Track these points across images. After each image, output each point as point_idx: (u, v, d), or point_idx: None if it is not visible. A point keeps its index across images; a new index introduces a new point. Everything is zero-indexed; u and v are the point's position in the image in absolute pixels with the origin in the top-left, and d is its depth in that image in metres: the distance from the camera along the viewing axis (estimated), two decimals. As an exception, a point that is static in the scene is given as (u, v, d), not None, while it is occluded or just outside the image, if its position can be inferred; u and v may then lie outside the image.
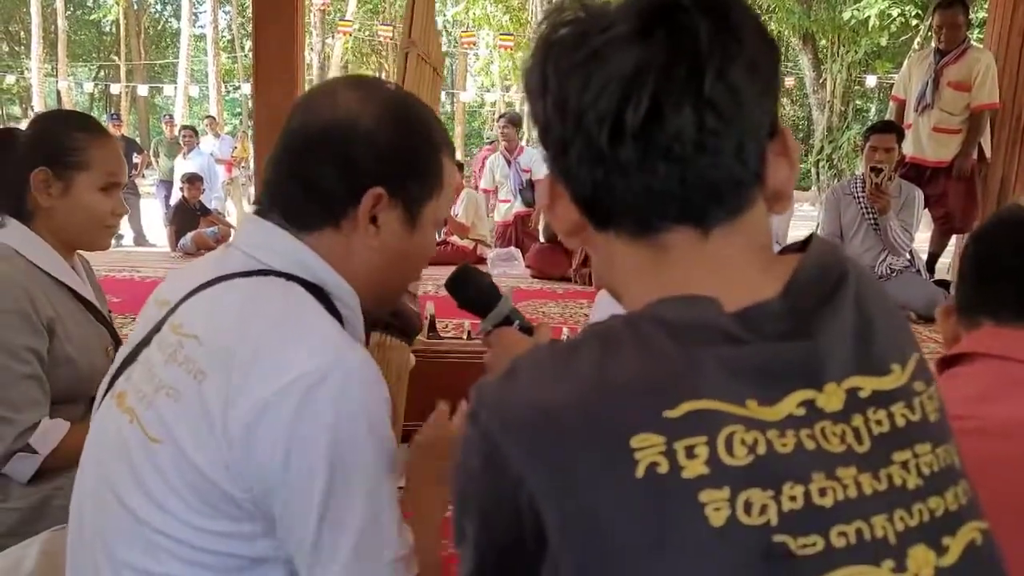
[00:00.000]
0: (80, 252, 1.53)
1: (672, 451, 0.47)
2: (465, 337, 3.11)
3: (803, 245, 0.58)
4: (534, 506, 0.49)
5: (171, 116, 13.14)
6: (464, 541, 0.56)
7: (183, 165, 8.42)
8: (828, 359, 0.52)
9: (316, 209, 0.86)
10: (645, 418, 0.48)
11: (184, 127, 9.50)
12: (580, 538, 0.48)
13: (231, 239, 0.92)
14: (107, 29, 25.80)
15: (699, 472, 0.47)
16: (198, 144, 8.94)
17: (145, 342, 0.87)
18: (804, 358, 0.51)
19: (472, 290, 1.01)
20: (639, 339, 0.51)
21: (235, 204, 10.30)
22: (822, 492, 0.48)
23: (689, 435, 0.47)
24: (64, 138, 1.40)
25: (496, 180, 6.87)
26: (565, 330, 3.38)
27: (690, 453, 0.47)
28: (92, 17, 25.57)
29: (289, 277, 0.84)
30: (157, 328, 0.86)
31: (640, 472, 0.46)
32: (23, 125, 1.64)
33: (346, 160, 0.85)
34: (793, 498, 0.47)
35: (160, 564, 0.77)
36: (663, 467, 0.47)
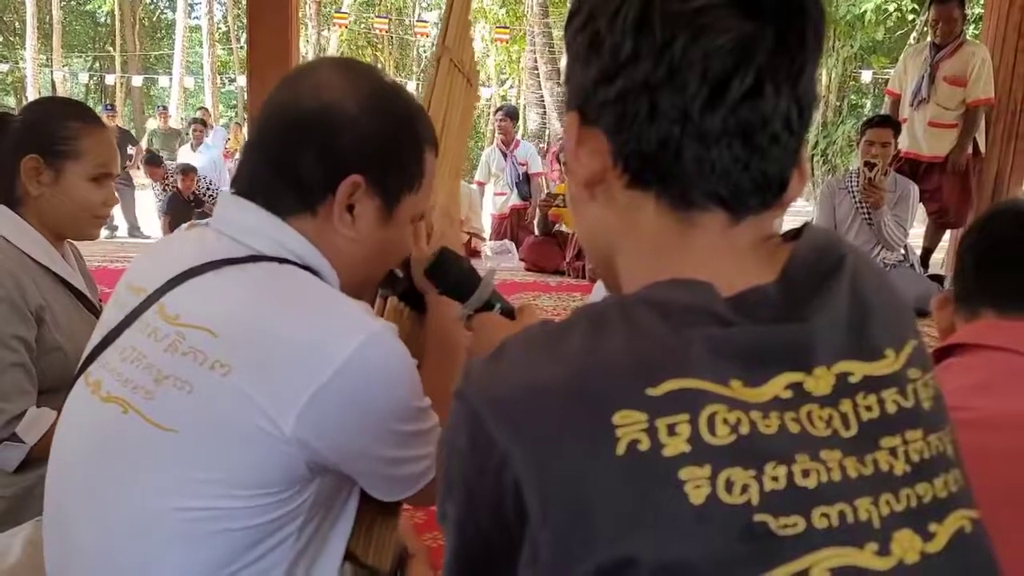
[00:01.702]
0: (71, 241, 1.52)
1: (654, 428, 0.46)
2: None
3: (797, 233, 0.58)
4: (517, 485, 0.48)
5: (165, 108, 13.04)
6: (447, 519, 0.55)
7: (193, 160, 8.34)
8: (819, 343, 0.51)
9: (293, 194, 0.85)
10: (627, 395, 0.47)
11: (194, 120, 9.35)
12: (561, 516, 0.47)
13: (210, 221, 0.90)
14: (102, 20, 25.64)
15: (680, 450, 0.46)
16: (207, 138, 8.82)
17: (121, 328, 0.85)
18: (793, 341, 0.51)
19: (452, 275, 0.98)
20: (629, 320, 0.51)
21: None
22: (805, 473, 0.48)
23: (671, 413, 0.47)
24: (56, 126, 1.38)
25: (491, 173, 6.86)
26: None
27: (672, 431, 0.46)
28: (87, 7, 25.42)
29: (282, 261, 0.83)
30: (135, 315, 0.84)
31: (621, 449, 0.46)
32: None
33: (326, 146, 0.83)
34: (775, 478, 0.47)
35: (174, 550, 0.77)
36: (644, 444, 0.46)
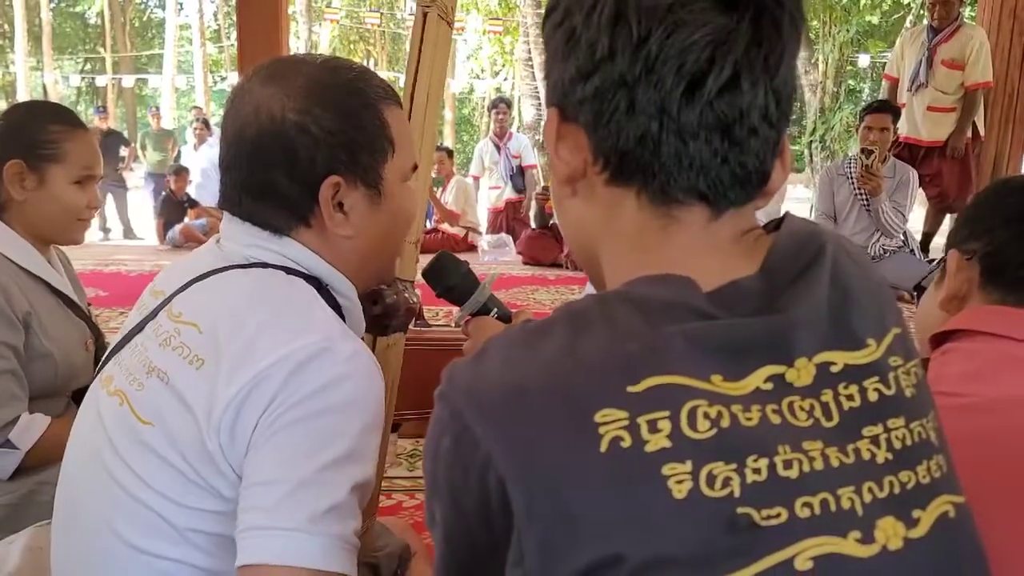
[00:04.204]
0: (58, 246, 1.52)
1: (635, 426, 0.47)
2: (454, 325, 3.08)
3: (778, 224, 0.58)
4: (502, 485, 0.48)
5: (157, 108, 12.99)
6: (435, 522, 0.56)
7: (194, 158, 8.33)
8: (800, 334, 0.51)
9: (281, 214, 0.86)
10: (609, 393, 0.48)
11: (197, 119, 9.34)
12: (545, 514, 0.47)
13: (219, 236, 0.92)
14: (92, 21, 25.58)
15: (662, 446, 0.47)
16: (210, 136, 8.77)
17: (137, 329, 0.87)
18: (774, 334, 0.51)
19: (449, 279, 0.98)
20: (608, 317, 0.51)
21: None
22: (787, 464, 0.48)
23: (652, 410, 0.47)
24: (38, 130, 1.38)
25: (485, 166, 6.84)
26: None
27: (653, 427, 0.47)
28: (77, 9, 25.36)
29: (288, 271, 0.85)
30: (152, 316, 0.86)
31: (604, 447, 0.46)
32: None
33: (289, 162, 0.83)
34: (757, 470, 0.47)
35: (157, 544, 0.77)
36: (626, 441, 0.46)
